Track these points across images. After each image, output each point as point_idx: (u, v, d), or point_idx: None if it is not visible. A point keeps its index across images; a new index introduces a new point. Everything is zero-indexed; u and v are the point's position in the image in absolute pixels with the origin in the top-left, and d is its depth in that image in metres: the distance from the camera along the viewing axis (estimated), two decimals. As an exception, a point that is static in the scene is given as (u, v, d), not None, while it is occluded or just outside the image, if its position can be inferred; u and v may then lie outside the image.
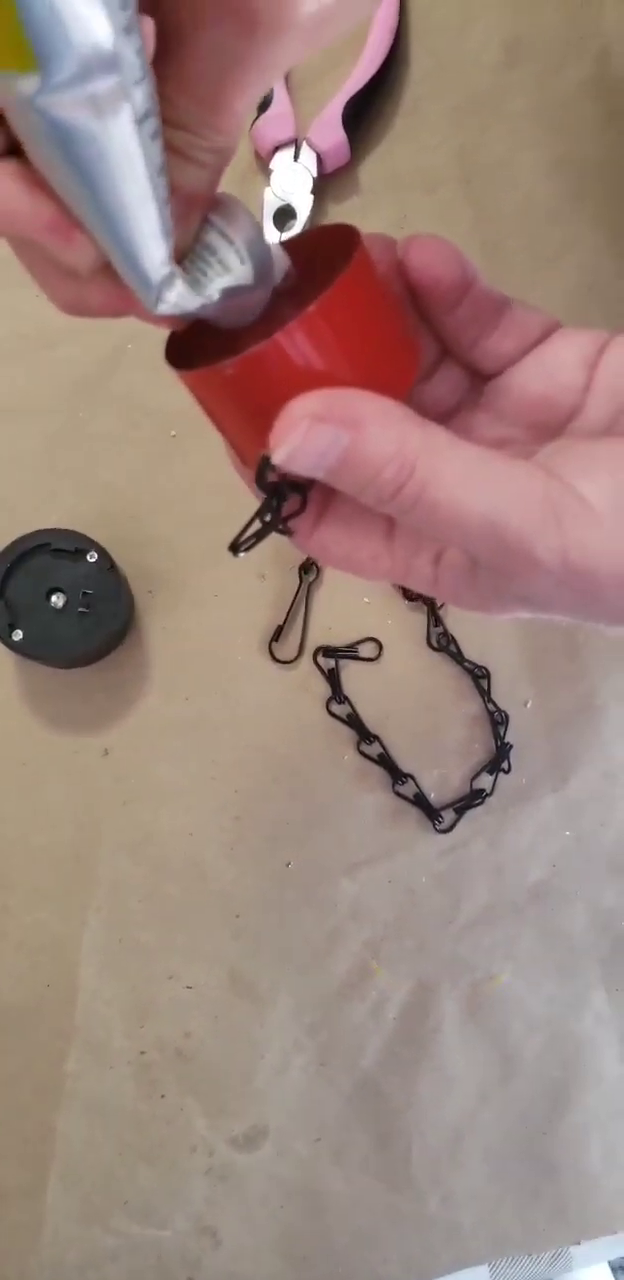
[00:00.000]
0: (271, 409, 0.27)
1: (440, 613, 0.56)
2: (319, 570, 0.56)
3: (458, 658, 0.56)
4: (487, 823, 0.55)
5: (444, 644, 0.56)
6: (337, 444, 0.26)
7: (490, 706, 0.55)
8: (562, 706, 0.57)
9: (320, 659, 0.55)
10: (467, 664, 0.56)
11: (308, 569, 0.56)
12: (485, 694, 0.55)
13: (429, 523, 0.27)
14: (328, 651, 0.56)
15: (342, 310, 0.28)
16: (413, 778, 0.55)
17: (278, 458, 0.27)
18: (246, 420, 0.29)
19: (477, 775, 0.55)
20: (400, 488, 0.26)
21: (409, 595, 0.57)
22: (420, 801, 0.54)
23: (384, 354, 0.29)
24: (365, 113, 0.61)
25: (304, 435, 0.26)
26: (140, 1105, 0.52)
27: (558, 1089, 0.54)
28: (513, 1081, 0.54)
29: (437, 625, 0.56)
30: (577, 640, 0.57)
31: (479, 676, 0.56)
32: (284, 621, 0.56)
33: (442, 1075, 0.54)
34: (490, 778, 0.55)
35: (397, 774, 0.54)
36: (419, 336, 0.33)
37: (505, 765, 0.55)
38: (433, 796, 0.55)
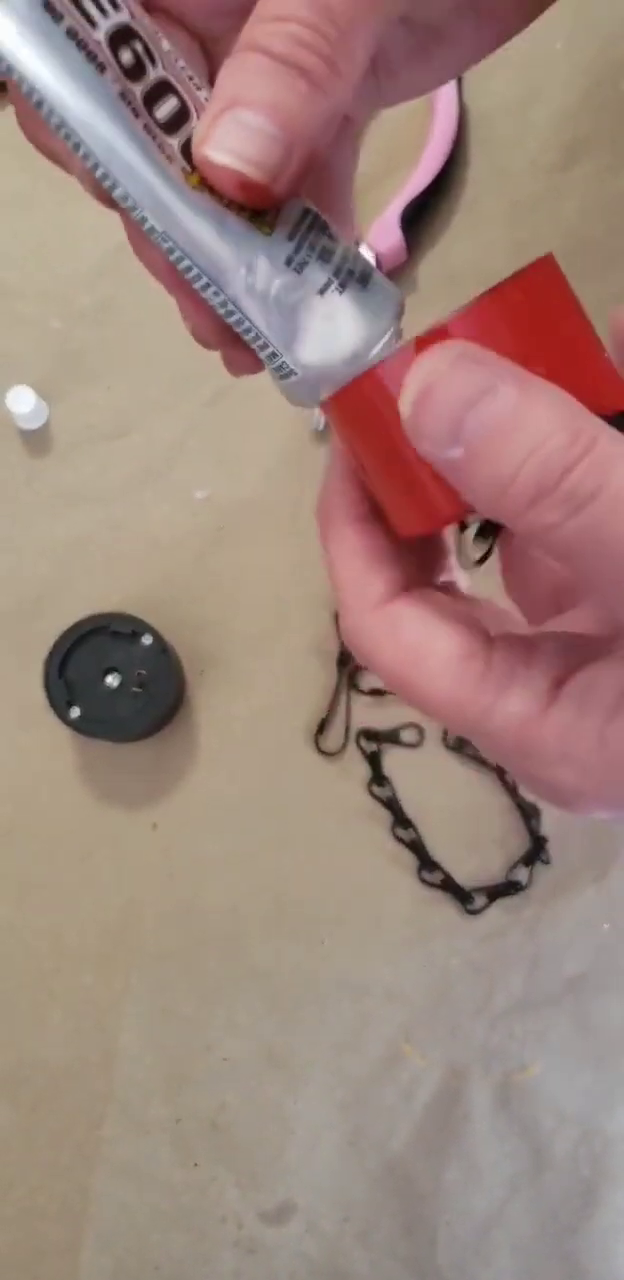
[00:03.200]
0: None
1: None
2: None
3: (477, 757, 0.57)
4: (525, 913, 0.56)
5: (458, 744, 0.57)
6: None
7: (518, 800, 0.56)
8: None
9: (362, 742, 0.57)
10: (490, 762, 0.57)
11: (345, 661, 0.58)
12: (512, 788, 0.56)
13: None
14: (369, 735, 0.57)
15: (524, 307, 0.23)
16: (441, 867, 0.56)
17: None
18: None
19: (514, 867, 0.56)
20: None
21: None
22: (448, 885, 0.55)
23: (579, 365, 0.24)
24: (423, 214, 0.63)
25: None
26: (174, 1173, 0.54)
27: (589, 1187, 0.54)
28: (543, 1176, 0.54)
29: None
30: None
31: (504, 772, 0.56)
32: (328, 713, 0.57)
33: (471, 1164, 0.54)
34: (527, 869, 0.56)
35: (425, 861, 0.55)
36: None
37: (544, 856, 0.56)
38: (469, 885, 0.56)
